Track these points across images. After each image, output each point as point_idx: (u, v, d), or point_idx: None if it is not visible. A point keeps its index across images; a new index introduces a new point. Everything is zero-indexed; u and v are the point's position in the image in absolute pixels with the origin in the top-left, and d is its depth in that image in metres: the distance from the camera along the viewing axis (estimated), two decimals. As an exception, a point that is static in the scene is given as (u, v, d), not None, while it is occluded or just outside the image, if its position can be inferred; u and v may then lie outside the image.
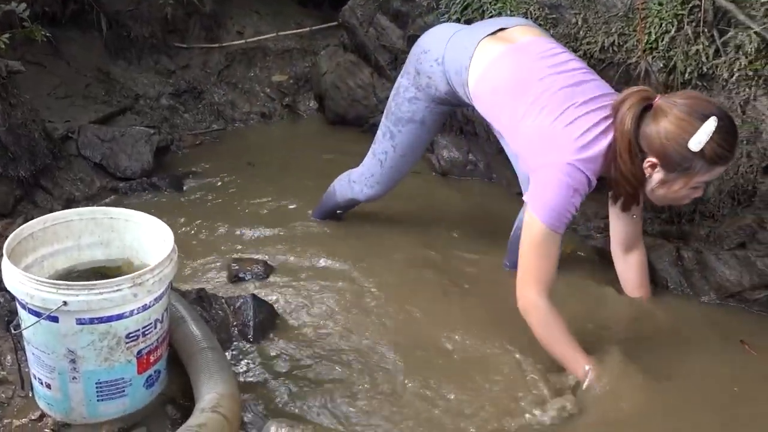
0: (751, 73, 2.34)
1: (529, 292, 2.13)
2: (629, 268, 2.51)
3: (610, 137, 2.07)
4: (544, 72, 2.21)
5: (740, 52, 2.37)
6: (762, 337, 2.37)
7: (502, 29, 2.39)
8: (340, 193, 2.97)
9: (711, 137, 1.93)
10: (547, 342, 2.15)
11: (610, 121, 2.08)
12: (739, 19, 2.38)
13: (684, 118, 1.96)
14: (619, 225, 2.44)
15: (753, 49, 2.33)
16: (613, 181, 2.16)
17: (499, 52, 2.32)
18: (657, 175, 2.06)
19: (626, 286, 2.54)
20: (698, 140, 1.94)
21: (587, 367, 2.08)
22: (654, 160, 2.03)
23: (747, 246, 2.39)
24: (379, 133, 2.75)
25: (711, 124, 1.93)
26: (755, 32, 2.32)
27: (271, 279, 2.70)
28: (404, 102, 2.62)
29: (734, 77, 2.39)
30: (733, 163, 2.39)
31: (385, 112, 2.72)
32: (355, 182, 2.87)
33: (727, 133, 1.96)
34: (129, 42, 4.42)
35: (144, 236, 2.12)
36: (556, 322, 2.12)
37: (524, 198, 2.18)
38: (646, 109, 2.03)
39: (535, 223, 2.10)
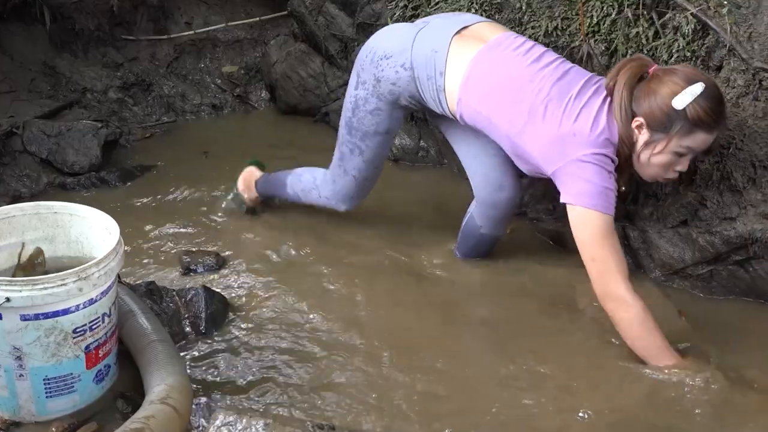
0: (689, 54, 2.39)
1: (619, 289, 2.07)
2: None
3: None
4: (530, 72, 2.24)
5: (678, 34, 2.42)
6: (699, 309, 2.44)
7: (465, 27, 2.41)
8: (295, 192, 2.90)
9: (695, 99, 2.00)
10: (642, 338, 2.10)
11: (609, 101, 2.17)
12: (677, 1, 2.43)
13: (674, 81, 2.04)
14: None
15: (690, 31, 2.38)
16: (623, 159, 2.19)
17: (476, 52, 2.32)
18: (642, 137, 2.11)
19: None
20: (682, 99, 2.01)
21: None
22: (641, 119, 2.09)
23: (689, 223, 2.45)
24: (344, 149, 2.64)
25: (697, 87, 2.01)
26: (692, 14, 2.37)
27: (224, 270, 2.70)
28: (366, 115, 2.53)
29: (673, 58, 2.43)
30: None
31: (345, 126, 2.62)
32: (327, 198, 2.79)
33: (712, 99, 2.02)
34: (74, 35, 4.34)
35: (90, 230, 2.09)
36: (651, 317, 2.09)
37: (564, 200, 2.15)
38: (642, 77, 2.13)
39: (591, 216, 2.09)
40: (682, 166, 2.14)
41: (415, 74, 2.40)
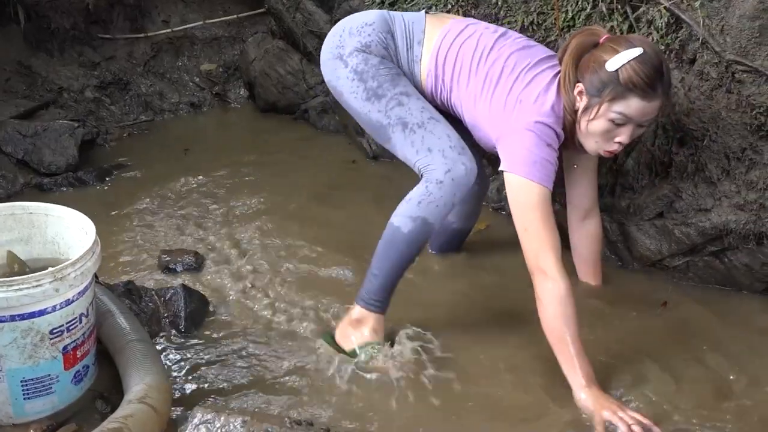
0: (663, 48, 2.41)
1: (548, 262, 2.00)
2: (583, 239, 2.51)
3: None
4: (492, 41, 2.24)
5: (652, 27, 2.44)
6: (677, 301, 2.46)
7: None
8: (411, 223, 2.15)
9: (629, 62, 1.96)
10: (557, 320, 1.98)
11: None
12: (651, -6, 2.45)
13: (615, 47, 2.01)
14: (575, 190, 2.45)
15: (663, 24, 2.40)
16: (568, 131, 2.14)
17: (448, 23, 2.33)
18: (582, 103, 2.06)
19: (579, 266, 2.55)
20: (615, 61, 1.98)
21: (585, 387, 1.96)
22: (581, 85, 2.06)
23: (665, 215, 2.47)
24: (396, 123, 2.23)
25: (634, 51, 1.96)
26: (665, 7, 2.39)
27: (203, 269, 2.69)
28: (378, 69, 2.28)
29: (647, 52, 2.45)
30: (649, 135, 2.48)
31: (372, 102, 2.27)
32: (442, 173, 2.14)
33: (647, 64, 1.96)
34: (50, 34, 4.31)
35: (66, 230, 2.08)
36: (572, 304, 1.99)
37: (502, 168, 2.09)
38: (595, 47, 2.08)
39: (525, 185, 2.03)
40: (622, 137, 2.04)
41: (396, 43, 2.34)
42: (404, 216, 2.13)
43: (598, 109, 2.02)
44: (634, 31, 2.50)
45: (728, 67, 2.26)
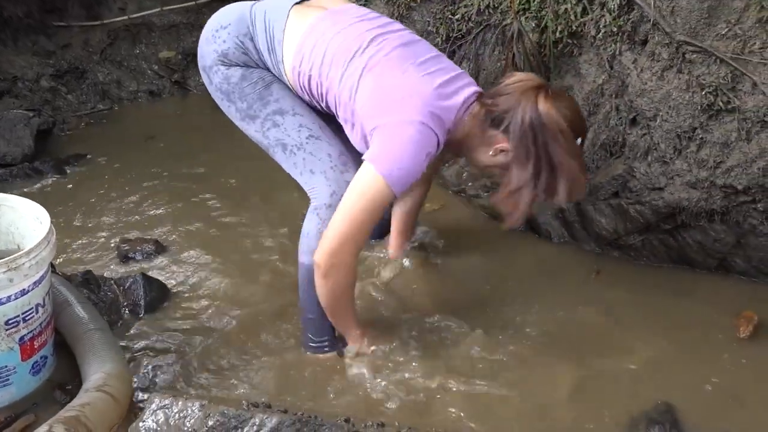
0: (615, 29, 2.44)
1: (346, 253, 1.91)
2: (408, 201, 2.48)
3: (467, 93, 1.98)
4: (373, 33, 2.01)
5: (605, 10, 2.47)
6: (629, 278, 2.52)
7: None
8: (305, 257, 2.08)
9: None
10: (336, 305, 2.01)
11: (466, 80, 2.03)
12: (603, -23, 2.48)
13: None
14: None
15: (616, 6, 2.43)
16: (454, 142, 2.02)
17: (315, 18, 2.06)
18: (498, 156, 1.98)
19: (393, 226, 2.53)
20: None
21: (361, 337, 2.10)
22: (504, 145, 1.95)
23: (620, 195, 2.51)
24: (288, 164, 2.12)
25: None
26: (618, -11, 2.42)
27: (163, 257, 2.67)
28: (242, 86, 2.10)
29: (600, 34, 2.48)
30: (603, 116, 2.52)
31: (244, 121, 2.15)
32: (327, 197, 2.05)
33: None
34: (3, 23, 4.22)
35: (20, 220, 2.06)
36: (352, 290, 2.03)
37: (364, 156, 1.93)
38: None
39: (375, 178, 1.87)
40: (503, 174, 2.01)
41: (258, 45, 2.10)
42: (308, 253, 2.01)
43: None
44: (587, 14, 2.53)
45: (679, 48, 2.29)
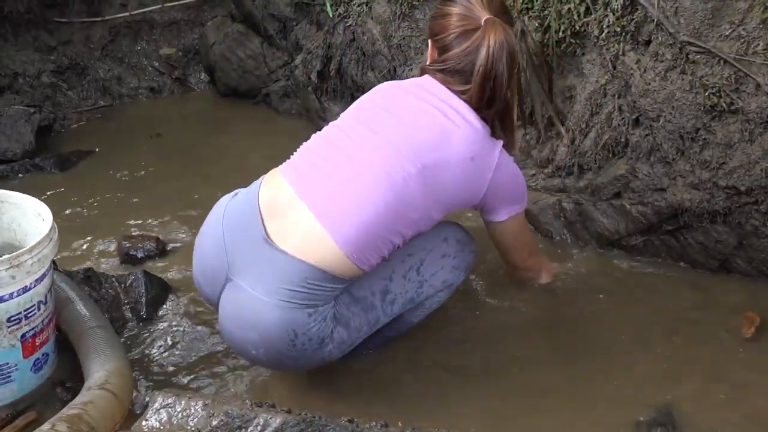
0: (618, 30, 2.44)
1: (537, 262, 2.30)
2: None
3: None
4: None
5: (608, 9, 2.46)
6: (630, 278, 2.51)
7: None
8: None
9: None
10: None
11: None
12: (607, -23, 2.48)
13: None
14: None
15: (619, 6, 2.43)
16: None
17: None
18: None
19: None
20: None
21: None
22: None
23: (622, 195, 2.51)
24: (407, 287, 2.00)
25: None
26: (621, -11, 2.42)
27: (165, 255, 2.67)
28: (344, 303, 1.92)
29: (604, 34, 2.48)
30: (606, 116, 2.52)
31: (374, 317, 1.97)
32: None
33: None
34: (3, 18, 4.21)
35: (22, 217, 2.06)
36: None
37: (508, 214, 2.06)
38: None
39: (522, 213, 2.13)
40: None
41: (323, 286, 1.83)
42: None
43: None
44: (590, 13, 2.53)
45: (682, 49, 2.29)
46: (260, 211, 1.86)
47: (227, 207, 1.94)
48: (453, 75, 1.93)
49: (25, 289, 1.84)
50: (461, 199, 1.95)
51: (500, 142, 1.97)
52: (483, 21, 1.89)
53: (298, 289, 1.78)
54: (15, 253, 1.78)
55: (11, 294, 1.81)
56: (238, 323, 1.84)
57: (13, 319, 1.84)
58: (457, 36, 1.92)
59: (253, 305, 1.81)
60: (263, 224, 1.84)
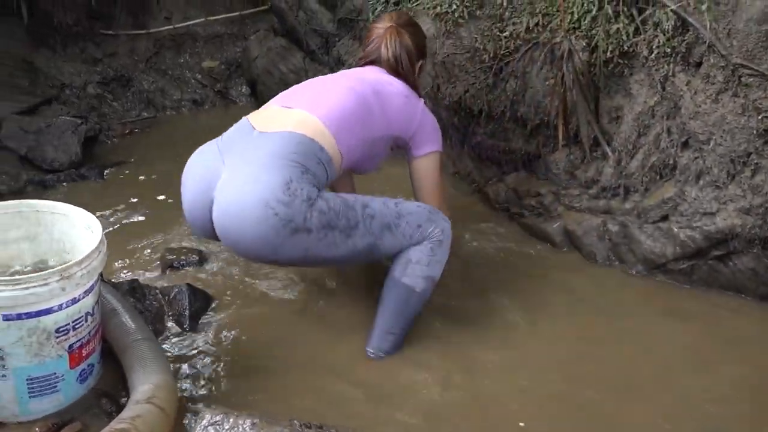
0: (669, 50, 2.42)
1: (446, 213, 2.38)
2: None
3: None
4: (345, 82, 2.39)
5: (658, 30, 2.44)
6: (681, 305, 2.47)
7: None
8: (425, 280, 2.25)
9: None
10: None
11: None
12: (657, -3, 2.45)
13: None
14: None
15: (670, 27, 2.40)
16: None
17: (315, 116, 2.23)
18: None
19: None
20: None
21: None
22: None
23: (670, 218, 2.47)
24: (396, 238, 2.20)
25: None
26: (672, 10, 2.39)
27: (207, 267, 2.68)
28: (337, 211, 2.12)
29: (653, 54, 2.45)
30: (654, 138, 2.49)
31: (370, 234, 2.16)
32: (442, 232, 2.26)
33: None
34: (53, 30, 4.30)
35: (72, 229, 2.07)
36: None
37: (427, 151, 2.42)
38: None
39: (438, 155, 2.47)
40: None
41: (309, 167, 2.12)
42: (417, 276, 2.20)
43: None
44: (639, 34, 2.50)
45: (735, 71, 2.26)
46: (250, 123, 2.24)
47: (221, 137, 2.30)
48: (374, 63, 2.52)
49: (74, 301, 1.85)
50: (402, 123, 2.39)
51: (421, 99, 2.48)
52: (385, 29, 2.50)
53: (291, 152, 2.09)
54: (65, 265, 1.80)
55: (60, 305, 1.82)
56: (235, 196, 2.06)
57: (61, 330, 1.85)
58: (372, 39, 2.54)
59: (249, 171, 2.07)
60: (254, 127, 2.21)
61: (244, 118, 2.30)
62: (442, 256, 2.24)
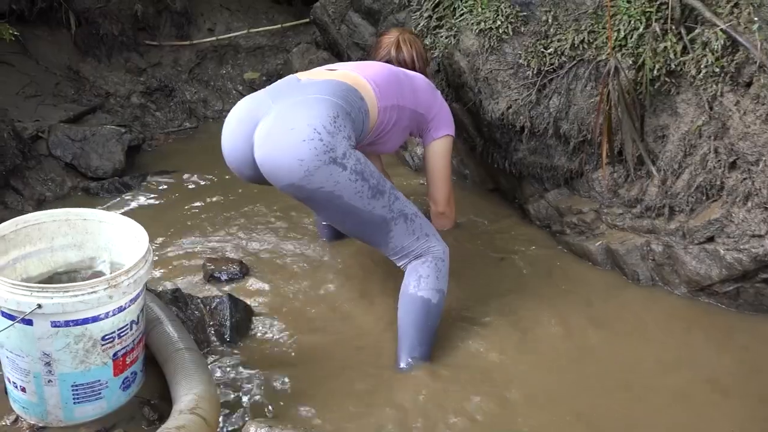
0: (717, 70, 2.38)
1: (452, 210, 2.84)
2: None
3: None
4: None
5: (707, 49, 2.40)
6: (726, 328, 2.42)
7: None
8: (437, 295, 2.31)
9: None
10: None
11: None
12: (706, 16, 2.41)
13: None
14: None
15: (719, 46, 2.37)
16: None
17: (351, 67, 2.58)
18: None
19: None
20: None
21: None
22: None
23: (716, 240, 2.43)
24: (407, 232, 2.29)
25: None
26: (721, 29, 2.36)
27: (247, 279, 2.70)
28: (371, 168, 2.26)
29: (701, 74, 2.42)
30: (701, 158, 2.45)
31: (389, 210, 2.26)
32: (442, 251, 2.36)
33: None
34: (99, 40, 4.38)
35: (118, 237, 2.10)
36: None
37: (441, 134, 2.67)
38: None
39: (451, 140, 2.71)
40: None
41: (354, 117, 2.28)
42: (430, 288, 2.28)
43: None
44: (687, 53, 2.47)
45: (786, 92, 2.22)
46: (296, 76, 2.43)
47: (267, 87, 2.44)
48: (393, 62, 2.78)
49: (120, 309, 1.88)
50: (426, 102, 2.62)
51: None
52: (396, 37, 2.83)
53: (338, 95, 2.25)
54: (113, 274, 1.83)
55: (107, 313, 1.85)
56: (282, 118, 2.19)
57: (107, 337, 1.88)
58: (383, 46, 2.84)
59: (299, 100, 2.23)
60: (299, 79, 2.39)
61: (290, 75, 2.50)
62: (446, 272, 2.34)
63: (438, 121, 2.67)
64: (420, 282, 2.28)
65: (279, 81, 2.44)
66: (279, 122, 2.18)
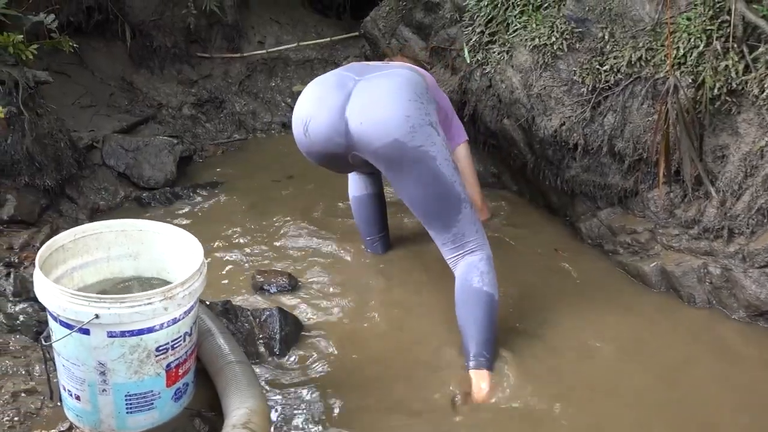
0: (781, 90, 2.33)
1: (484, 204, 2.99)
2: None
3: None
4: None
5: (770, 68, 2.35)
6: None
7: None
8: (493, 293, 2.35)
9: None
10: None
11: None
12: (770, 34, 2.37)
13: None
14: None
15: (784, 66, 2.32)
16: None
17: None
18: None
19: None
20: None
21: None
22: None
23: (777, 264, 2.37)
24: (472, 219, 2.36)
25: None
26: (786, 49, 2.30)
27: (296, 291, 2.70)
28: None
29: (765, 93, 2.36)
30: (763, 179, 2.39)
31: (457, 192, 2.33)
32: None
33: None
34: (152, 52, 4.46)
35: (173, 249, 2.12)
36: None
37: (463, 139, 2.81)
38: None
39: (467, 145, 2.85)
40: None
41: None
42: (492, 285, 2.32)
43: None
44: (750, 72, 2.42)
45: None
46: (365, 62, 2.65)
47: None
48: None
49: (175, 321, 1.88)
50: (445, 101, 2.74)
51: None
52: (400, 59, 3.00)
53: (412, 70, 2.47)
54: (169, 286, 1.83)
55: (162, 324, 1.85)
56: (385, 84, 2.35)
57: (161, 348, 1.88)
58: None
59: (396, 72, 2.41)
60: (368, 63, 2.60)
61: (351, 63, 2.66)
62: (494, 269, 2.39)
63: (455, 127, 2.78)
64: (483, 277, 2.31)
65: (346, 66, 2.56)
66: (381, 86, 2.34)
